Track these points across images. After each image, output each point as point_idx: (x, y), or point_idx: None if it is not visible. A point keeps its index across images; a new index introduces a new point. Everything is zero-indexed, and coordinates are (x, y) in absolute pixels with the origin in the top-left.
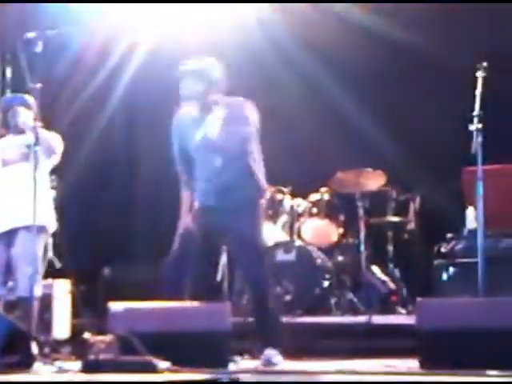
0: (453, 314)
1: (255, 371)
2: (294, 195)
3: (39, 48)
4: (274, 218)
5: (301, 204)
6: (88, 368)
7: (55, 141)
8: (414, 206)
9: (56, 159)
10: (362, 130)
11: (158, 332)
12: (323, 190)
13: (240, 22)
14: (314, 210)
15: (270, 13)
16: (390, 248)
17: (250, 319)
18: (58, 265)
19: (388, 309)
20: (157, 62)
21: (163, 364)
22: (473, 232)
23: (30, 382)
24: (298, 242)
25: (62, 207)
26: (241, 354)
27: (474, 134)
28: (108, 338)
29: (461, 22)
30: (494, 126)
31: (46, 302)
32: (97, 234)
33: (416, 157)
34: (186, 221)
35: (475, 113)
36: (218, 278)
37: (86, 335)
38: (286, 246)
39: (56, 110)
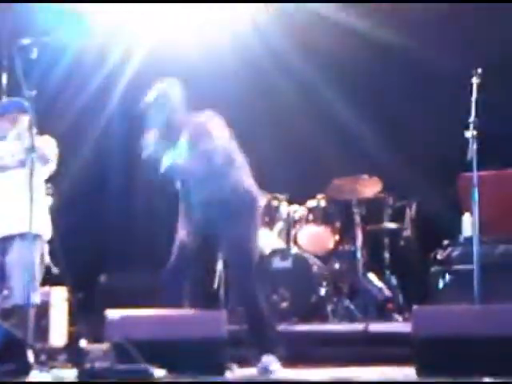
0: (449, 322)
1: (250, 380)
2: (290, 202)
3: (34, 54)
4: (270, 224)
5: (297, 211)
6: (84, 376)
7: (49, 148)
8: (410, 213)
9: (52, 166)
10: (358, 136)
11: (155, 340)
12: (319, 196)
13: (236, 26)
14: (311, 217)
15: (266, 18)
16: (387, 255)
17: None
18: (55, 271)
19: (385, 316)
20: (153, 67)
21: (159, 372)
22: (469, 239)
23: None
24: (294, 249)
25: (58, 214)
26: (237, 361)
27: (470, 140)
28: (104, 345)
29: (458, 29)
30: (491, 131)
31: (43, 309)
32: (94, 242)
33: (412, 163)
34: (182, 232)
35: (470, 119)
36: (215, 285)
37: (83, 343)
38: (283, 253)
39: (52, 117)
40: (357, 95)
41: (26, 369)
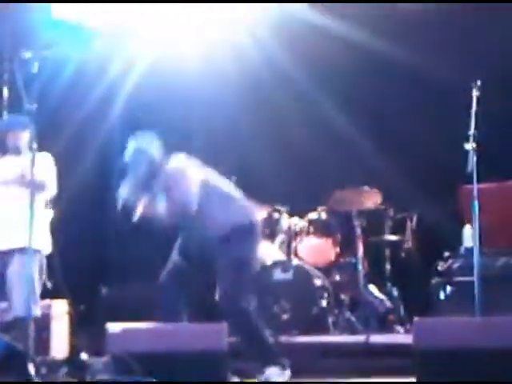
0: (450, 334)
1: None
2: (291, 214)
3: (35, 68)
4: (271, 237)
5: (298, 223)
6: None
7: (46, 174)
8: (411, 225)
9: (52, 191)
10: (358, 148)
11: (155, 352)
12: (320, 208)
13: (235, 38)
14: (311, 229)
15: (265, 29)
16: (388, 267)
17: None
18: (49, 285)
19: (386, 328)
20: (154, 79)
21: None
22: (470, 250)
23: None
24: (295, 261)
25: (59, 227)
26: (238, 374)
27: (470, 152)
28: (105, 358)
29: (458, 41)
30: (492, 143)
31: (44, 322)
32: (95, 254)
33: (413, 175)
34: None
35: (470, 132)
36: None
37: (84, 356)
38: (284, 265)
39: (52, 130)
40: (357, 107)
41: (27, 381)
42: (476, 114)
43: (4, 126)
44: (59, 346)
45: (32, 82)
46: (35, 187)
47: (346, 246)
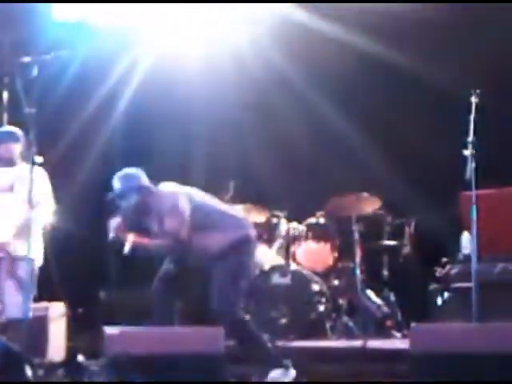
0: (447, 339)
1: None
2: (289, 219)
3: (35, 72)
4: (269, 241)
5: (296, 228)
6: None
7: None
8: (409, 231)
9: (46, 205)
10: (357, 154)
11: (153, 355)
12: (319, 213)
13: (236, 43)
14: (310, 234)
15: (266, 34)
16: (386, 272)
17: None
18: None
19: (383, 333)
20: (155, 83)
21: None
22: (468, 257)
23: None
24: (293, 266)
25: (59, 231)
26: (236, 377)
27: (468, 159)
28: (102, 361)
29: (458, 48)
30: (490, 150)
31: (42, 324)
32: (94, 258)
33: (411, 181)
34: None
35: (469, 138)
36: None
37: (81, 358)
38: (282, 270)
39: (53, 135)
40: (356, 113)
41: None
42: (475, 120)
43: None
44: (56, 348)
45: (32, 85)
46: (28, 198)
47: (345, 251)
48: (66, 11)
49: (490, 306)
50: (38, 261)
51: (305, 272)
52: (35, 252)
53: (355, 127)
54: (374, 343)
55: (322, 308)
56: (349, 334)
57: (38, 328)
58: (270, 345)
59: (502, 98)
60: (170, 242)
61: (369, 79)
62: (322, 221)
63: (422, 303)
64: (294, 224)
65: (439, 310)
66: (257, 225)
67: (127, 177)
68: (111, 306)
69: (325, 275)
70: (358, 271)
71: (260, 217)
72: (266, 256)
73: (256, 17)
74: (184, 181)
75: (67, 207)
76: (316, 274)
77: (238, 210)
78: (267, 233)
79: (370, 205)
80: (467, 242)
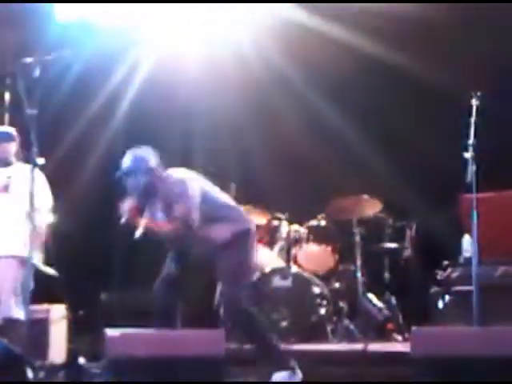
0: (448, 343)
1: None
2: (290, 221)
3: (37, 73)
4: (270, 244)
5: (297, 230)
6: None
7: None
8: (410, 233)
9: (43, 203)
10: (358, 156)
11: (154, 358)
12: (320, 216)
13: (237, 45)
14: (311, 237)
15: (267, 36)
16: (387, 275)
17: (248, 345)
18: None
19: (384, 336)
20: (157, 84)
21: None
22: (469, 260)
23: None
24: (294, 269)
25: (61, 233)
26: (237, 380)
27: (469, 162)
28: (103, 363)
29: (460, 50)
30: (492, 152)
31: (43, 326)
32: (95, 260)
33: (412, 183)
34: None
35: (470, 141)
36: (215, 304)
37: (82, 360)
38: (283, 272)
39: (55, 136)
40: (357, 115)
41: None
42: (475, 123)
43: None
44: (57, 350)
45: (34, 86)
46: (22, 198)
47: (346, 253)
48: (68, 12)
49: (491, 309)
50: (36, 258)
51: (306, 275)
52: (36, 254)
53: (356, 129)
54: (375, 346)
55: (322, 311)
56: (350, 337)
57: (38, 330)
58: (278, 344)
59: (503, 99)
60: (179, 227)
61: (369, 81)
62: (323, 223)
63: (422, 306)
64: (295, 226)
65: (440, 313)
66: (258, 227)
67: (137, 156)
68: (112, 309)
69: (326, 278)
70: (358, 274)
71: (261, 219)
72: (267, 258)
73: (256, 17)
74: None
75: (68, 208)
76: (317, 276)
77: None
78: (268, 235)
79: (371, 207)
80: (468, 244)
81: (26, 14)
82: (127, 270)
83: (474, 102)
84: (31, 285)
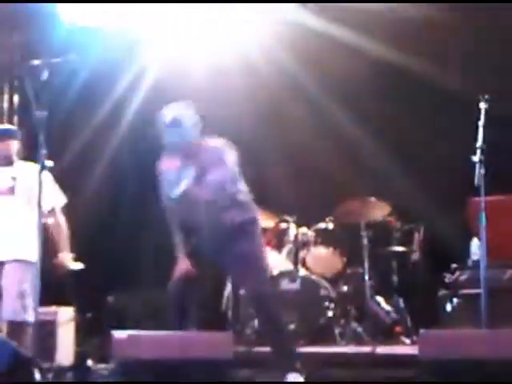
0: (456, 345)
1: None
2: (298, 224)
3: (45, 76)
4: (278, 247)
5: (305, 233)
6: None
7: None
8: (418, 236)
9: (52, 202)
10: (367, 159)
11: (161, 360)
12: (328, 219)
13: (245, 49)
14: (319, 239)
15: (276, 40)
16: (395, 278)
17: (256, 348)
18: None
19: (392, 339)
20: (164, 89)
21: None
22: (477, 263)
23: None
24: (302, 272)
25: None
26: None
27: (477, 165)
28: (111, 365)
29: (469, 53)
30: (501, 156)
31: (51, 328)
32: (103, 262)
33: (421, 186)
34: (184, 263)
35: (478, 144)
36: (223, 307)
37: (89, 362)
38: (291, 275)
39: (63, 139)
40: (367, 119)
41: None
42: (484, 126)
43: None
44: (65, 352)
45: (42, 89)
46: (32, 199)
47: (353, 256)
48: (74, 16)
49: (500, 312)
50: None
51: (314, 277)
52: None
53: (365, 132)
54: (383, 349)
55: (330, 313)
56: (358, 339)
57: (46, 332)
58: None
59: None
60: (213, 193)
61: (378, 84)
62: (330, 226)
63: (430, 309)
64: (303, 229)
65: (448, 316)
66: (265, 230)
67: (184, 109)
68: (120, 311)
69: (334, 281)
70: (366, 277)
71: (269, 222)
72: (275, 261)
73: (266, 22)
74: None
75: (75, 211)
76: (325, 279)
77: None
78: (276, 238)
79: (379, 210)
80: (476, 247)
81: (33, 16)
82: (134, 273)
83: (483, 105)
84: (38, 287)
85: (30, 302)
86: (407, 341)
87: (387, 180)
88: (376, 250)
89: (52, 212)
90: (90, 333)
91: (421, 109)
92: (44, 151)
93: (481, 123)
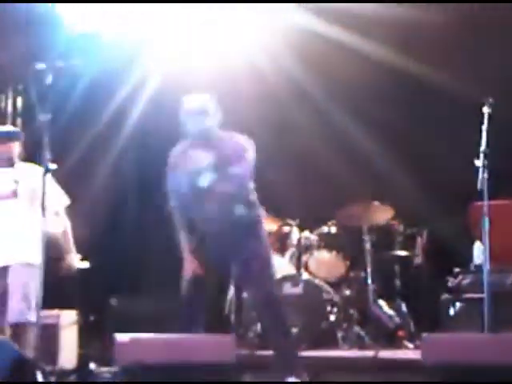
0: (458, 350)
1: None
2: (301, 228)
3: (49, 79)
4: (281, 250)
5: (308, 237)
6: None
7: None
8: (421, 241)
9: (56, 204)
10: (370, 163)
11: (163, 363)
12: (330, 223)
13: (251, 54)
14: (322, 243)
15: (282, 45)
16: (397, 282)
17: (259, 352)
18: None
19: (395, 343)
20: (168, 92)
21: None
22: (480, 267)
23: None
24: (305, 275)
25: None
26: None
27: (480, 170)
28: (113, 369)
29: (473, 57)
30: (504, 160)
31: (53, 332)
32: (106, 266)
33: (424, 191)
34: (192, 265)
35: (481, 149)
36: (226, 310)
37: (92, 366)
38: (293, 279)
39: (67, 143)
40: (370, 122)
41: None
42: (487, 130)
43: None
44: (68, 355)
45: (46, 93)
46: (35, 201)
47: (356, 260)
48: (78, 20)
49: (502, 316)
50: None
51: (316, 281)
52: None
53: (368, 136)
54: (386, 353)
55: (333, 317)
56: (360, 343)
57: (49, 335)
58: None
59: None
60: (232, 188)
61: (382, 89)
62: (333, 230)
63: (433, 313)
64: (306, 233)
65: (451, 321)
66: (268, 234)
67: (207, 98)
68: (123, 314)
69: (336, 285)
70: (369, 281)
71: (272, 226)
72: (278, 265)
73: (271, 27)
74: None
75: (78, 214)
76: (328, 283)
77: None
78: (279, 242)
79: (382, 214)
80: (479, 252)
81: (35, 20)
82: (137, 276)
83: (486, 110)
84: (41, 290)
85: (34, 304)
86: (410, 345)
87: (390, 184)
88: (379, 254)
89: (57, 215)
90: (93, 336)
91: (424, 113)
92: (48, 154)
93: (484, 127)
